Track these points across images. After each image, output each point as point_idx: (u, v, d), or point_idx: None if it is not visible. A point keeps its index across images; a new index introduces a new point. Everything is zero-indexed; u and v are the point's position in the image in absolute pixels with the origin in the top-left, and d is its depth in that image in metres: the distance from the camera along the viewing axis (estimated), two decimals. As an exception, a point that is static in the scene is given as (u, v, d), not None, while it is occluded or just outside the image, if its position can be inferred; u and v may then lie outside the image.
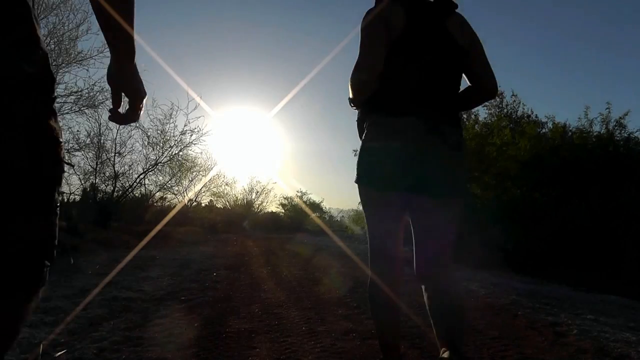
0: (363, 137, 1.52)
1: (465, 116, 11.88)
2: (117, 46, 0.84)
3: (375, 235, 1.51)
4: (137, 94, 0.89)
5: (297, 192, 19.71)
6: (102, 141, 9.18)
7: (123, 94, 0.89)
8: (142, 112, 0.94)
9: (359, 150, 1.54)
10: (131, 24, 0.81)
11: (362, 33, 1.45)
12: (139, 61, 0.89)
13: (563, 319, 2.90)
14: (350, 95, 1.52)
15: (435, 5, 1.50)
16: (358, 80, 1.45)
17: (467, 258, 6.11)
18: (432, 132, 1.39)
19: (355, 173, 1.50)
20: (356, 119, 1.62)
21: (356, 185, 1.52)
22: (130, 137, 9.55)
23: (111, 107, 0.92)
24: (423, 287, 1.52)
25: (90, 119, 8.82)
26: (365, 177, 1.47)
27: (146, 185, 10.52)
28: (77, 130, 11.45)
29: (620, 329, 2.74)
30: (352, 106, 1.59)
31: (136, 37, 0.84)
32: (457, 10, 1.54)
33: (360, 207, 1.59)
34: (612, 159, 7.13)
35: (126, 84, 0.88)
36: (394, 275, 1.49)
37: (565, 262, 5.53)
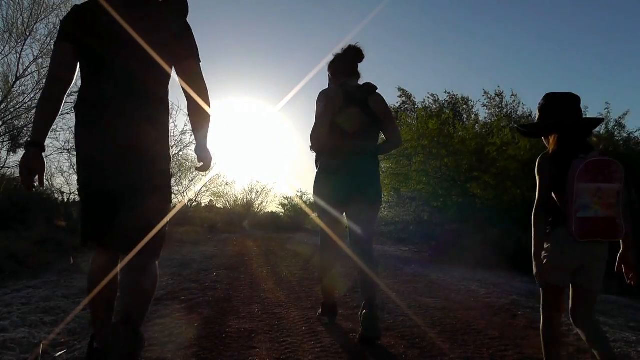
0: (317, 170, 2.53)
1: (465, 116, 11.95)
2: (196, 139, 1.76)
3: (324, 224, 2.51)
4: (206, 161, 1.73)
5: (297, 192, 19.66)
6: (102, 141, 9.14)
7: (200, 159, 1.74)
8: (209, 168, 1.74)
9: (314, 178, 2.53)
10: (205, 135, 1.73)
11: (316, 106, 2.40)
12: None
13: (563, 319, 2.90)
14: (310, 145, 2.47)
15: (362, 88, 2.43)
16: (312, 141, 2.43)
17: (467, 258, 6.11)
18: (355, 168, 2.32)
19: (313, 192, 2.54)
20: (314, 158, 2.55)
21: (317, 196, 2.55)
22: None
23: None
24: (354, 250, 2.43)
25: (90, 118, 8.79)
26: (318, 195, 2.51)
27: (146, 185, 10.48)
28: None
29: (620, 329, 2.74)
30: (311, 150, 2.50)
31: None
32: (377, 91, 2.45)
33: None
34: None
35: (201, 155, 1.72)
36: (333, 240, 2.50)
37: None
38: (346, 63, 2.46)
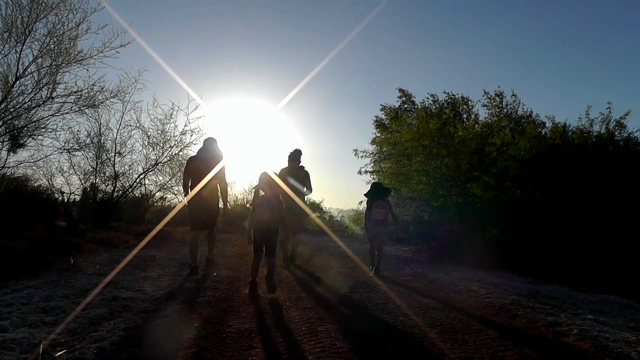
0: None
1: (465, 116, 11.96)
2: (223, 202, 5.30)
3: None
4: (226, 211, 5.39)
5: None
6: (102, 141, 9.11)
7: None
8: (226, 213, 5.50)
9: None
10: (226, 201, 5.26)
11: (280, 172, 5.52)
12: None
13: (563, 319, 2.90)
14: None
15: (299, 168, 5.63)
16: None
17: (467, 258, 6.11)
18: (290, 199, 4.92)
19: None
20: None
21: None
22: (130, 137, 9.49)
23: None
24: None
25: (90, 118, 8.76)
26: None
27: (146, 185, 10.40)
28: (77, 130, 11.33)
29: (620, 329, 2.74)
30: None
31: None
32: (305, 169, 5.67)
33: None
34: (612, 159, 7.13)
35: (225, 210, 5.35)
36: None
37: (565, 262, 5.53)
38: (294, 157, 5.58)
